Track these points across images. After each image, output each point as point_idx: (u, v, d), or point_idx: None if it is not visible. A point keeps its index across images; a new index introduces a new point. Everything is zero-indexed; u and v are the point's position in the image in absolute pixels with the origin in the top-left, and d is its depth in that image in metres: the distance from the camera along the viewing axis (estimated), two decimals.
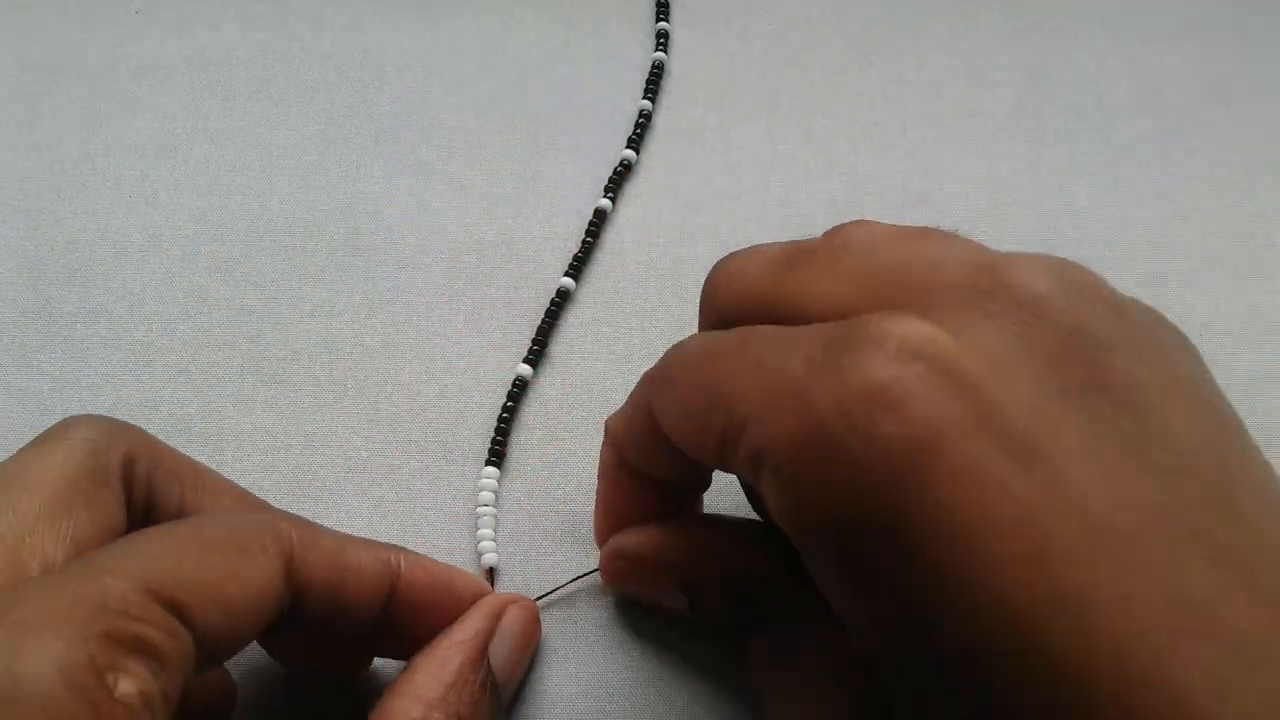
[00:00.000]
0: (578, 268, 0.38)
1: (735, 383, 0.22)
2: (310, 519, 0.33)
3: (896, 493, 0.19)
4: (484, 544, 0.33)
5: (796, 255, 0.24)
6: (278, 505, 0.33)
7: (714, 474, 0.30)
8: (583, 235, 0.38)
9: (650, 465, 0.27)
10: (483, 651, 0.27)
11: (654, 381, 0.25)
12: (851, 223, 0.24)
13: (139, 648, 0.20)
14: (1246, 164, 0.40)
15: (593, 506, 0.31)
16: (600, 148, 0.40)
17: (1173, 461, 0.19)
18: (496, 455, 0.34)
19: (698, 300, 0.26)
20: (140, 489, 0.25)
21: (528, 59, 0.43)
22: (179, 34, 0.44)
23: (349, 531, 0.33)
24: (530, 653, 0.30)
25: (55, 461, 0.24)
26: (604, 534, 0.30)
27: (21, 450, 0.24)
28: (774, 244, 0.25)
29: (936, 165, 0.40)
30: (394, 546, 0.27)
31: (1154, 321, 0.22)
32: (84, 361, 0.36)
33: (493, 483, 0.34)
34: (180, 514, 0.26)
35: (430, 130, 0.41)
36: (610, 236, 0.39)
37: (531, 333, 0.37)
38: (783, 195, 0.39)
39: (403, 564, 0.26)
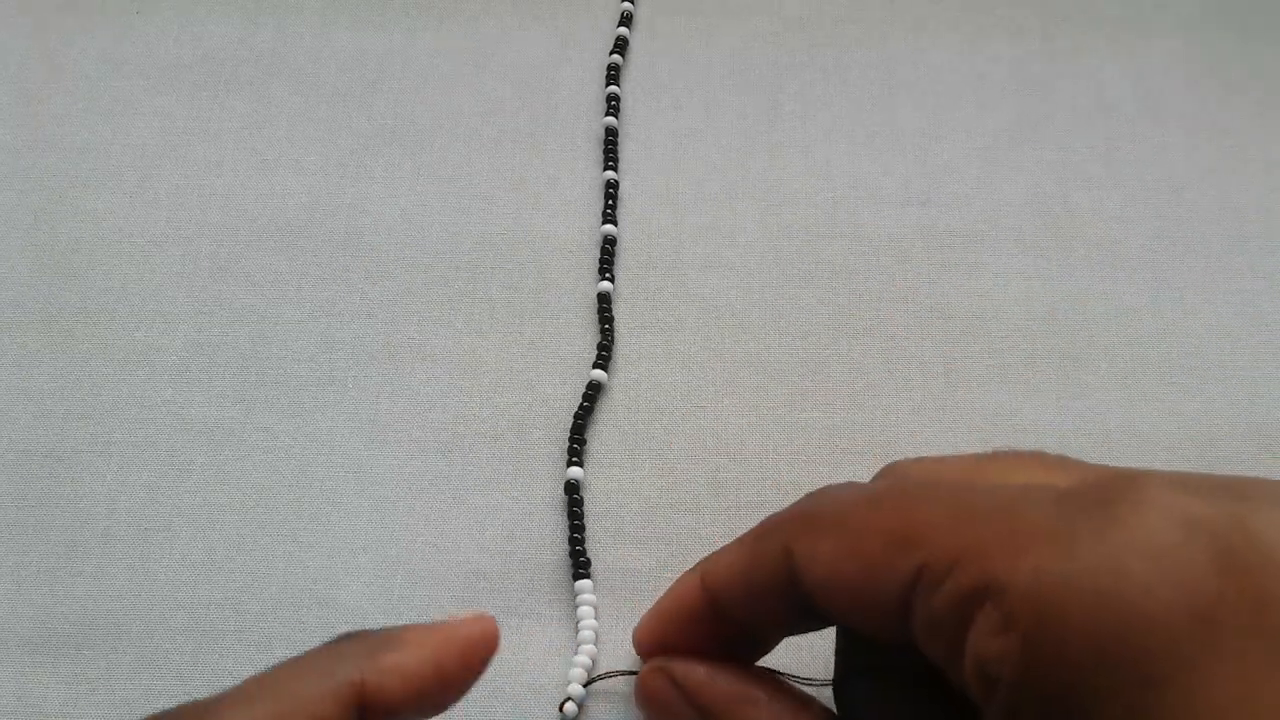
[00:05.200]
0: (608, 267, 0.37)
1: (936, 522, 0.20)
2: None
3: (1160, 660, 0.17)
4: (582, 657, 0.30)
5: (990, 455, 0.23)
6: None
7: None
8: (591, 232, 0.39)
9: (758, 616, 0.24)
10: None
11: (798, 525, 0.23)
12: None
13: None
14: (1246, 165, 0.40)
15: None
16: (598, 145, 0.40)
17: None
18: (584, 568, 0.32)
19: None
20: None
21: (525, 60, 0.43)
22: (179, 34, 0.44)
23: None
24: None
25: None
26: (651, 647, 0.27)
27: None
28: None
29: (936, 166, 0.40)
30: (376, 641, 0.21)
31: None
32: (84, 361, 0.36)
33: (590, 597, 0.31)
34: None
35: (429, 130, 0.41)
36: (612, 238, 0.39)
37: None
38: (783, 195, 0.39)
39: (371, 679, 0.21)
